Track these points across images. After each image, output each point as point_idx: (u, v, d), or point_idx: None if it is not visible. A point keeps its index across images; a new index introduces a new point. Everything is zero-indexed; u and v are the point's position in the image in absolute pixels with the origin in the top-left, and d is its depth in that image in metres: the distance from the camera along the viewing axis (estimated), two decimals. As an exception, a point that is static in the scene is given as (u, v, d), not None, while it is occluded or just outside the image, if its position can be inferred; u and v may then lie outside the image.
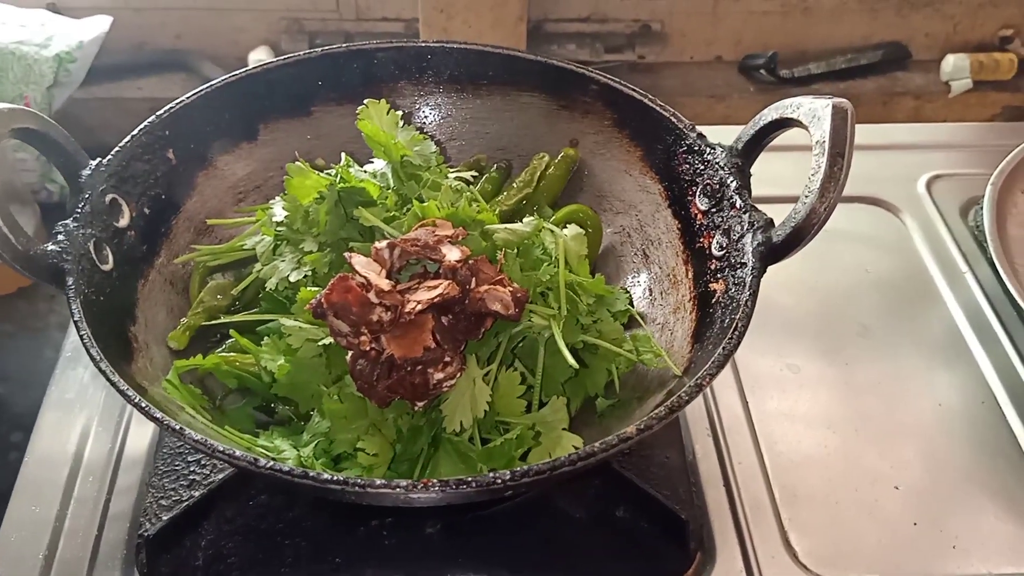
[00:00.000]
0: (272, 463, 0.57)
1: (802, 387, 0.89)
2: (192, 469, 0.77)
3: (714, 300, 0.74)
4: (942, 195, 1.09)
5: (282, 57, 0.86)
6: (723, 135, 0.78)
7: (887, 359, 0.91)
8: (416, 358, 0.63)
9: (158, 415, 0.59)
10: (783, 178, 0.83)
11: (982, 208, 1.04)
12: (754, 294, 0.69)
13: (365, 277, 0.63)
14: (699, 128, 0.79)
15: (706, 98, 1.34)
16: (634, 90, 0.84)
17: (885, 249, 1.03)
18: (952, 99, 1.41)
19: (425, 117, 0.92)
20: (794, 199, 0.87)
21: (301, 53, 0.87)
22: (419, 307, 0.63)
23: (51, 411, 0.85)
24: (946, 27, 1.40)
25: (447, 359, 0.64)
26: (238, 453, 0.58)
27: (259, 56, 1.24)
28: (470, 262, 0.67)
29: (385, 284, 0.63)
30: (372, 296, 0.62)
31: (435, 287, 0.64)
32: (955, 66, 1.41)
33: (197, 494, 0.75)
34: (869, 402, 0.87)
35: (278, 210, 0.76)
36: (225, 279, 0.83)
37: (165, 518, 0.73)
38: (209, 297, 0.80)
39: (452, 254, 0.66)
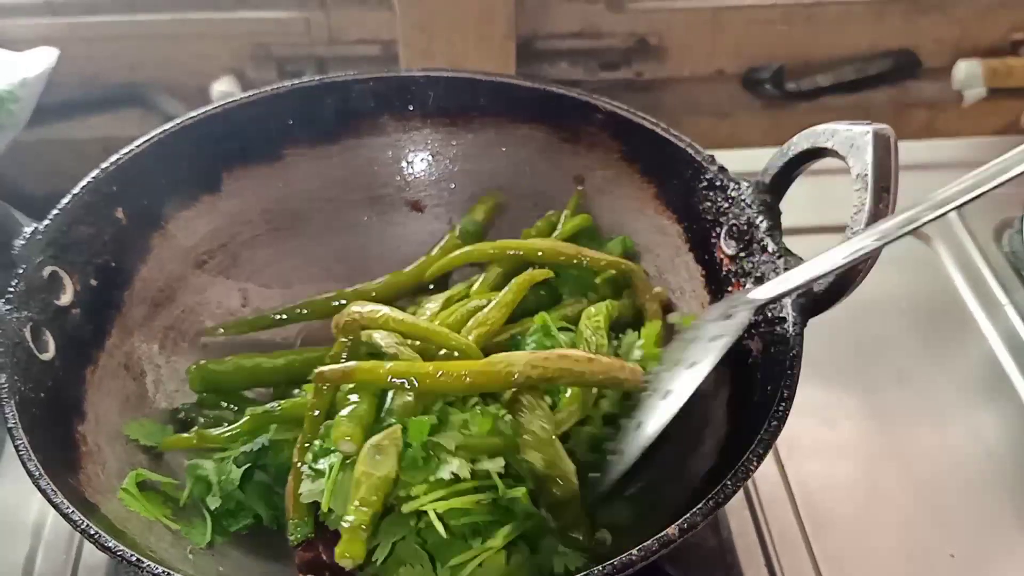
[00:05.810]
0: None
1: (842, 447, 0.82)
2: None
3: (750, 361, 0.66)
4: (973, 217, 1.02)
5: (245, 95, 0.78)
6: (732, 159, 0.73)
7: (928, 405, 0.85)
8: None
9: (110, 544, 0.51)
10: (804, 204, 0.74)
11: (1015, 231, 0.99)
12: (798, 356, 0.62)
13: None
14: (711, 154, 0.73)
15: (710, 116, 1.26)
16: (644, 118, 0.78)
17: (917, 282, 0.96)
18: (966, 109, 1.34)
19: (411, 156, 0.84)
20: (821, 230, 0.77)
21: (267, 89, 0.79)
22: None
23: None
24: (955, 31, 1.34)
25: None
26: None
27: (223, 87, 1.14)
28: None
29: None
30: None
31: None
32: (967, 73, 1.34)
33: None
34: (916, 460, 0.81)
35: None
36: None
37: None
38: None
39: None
